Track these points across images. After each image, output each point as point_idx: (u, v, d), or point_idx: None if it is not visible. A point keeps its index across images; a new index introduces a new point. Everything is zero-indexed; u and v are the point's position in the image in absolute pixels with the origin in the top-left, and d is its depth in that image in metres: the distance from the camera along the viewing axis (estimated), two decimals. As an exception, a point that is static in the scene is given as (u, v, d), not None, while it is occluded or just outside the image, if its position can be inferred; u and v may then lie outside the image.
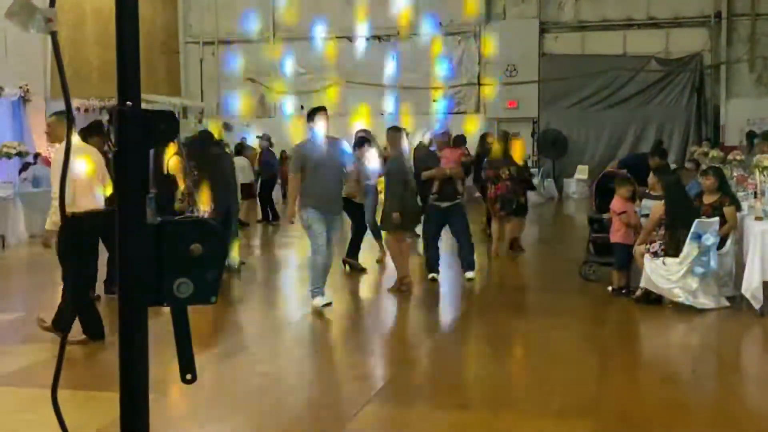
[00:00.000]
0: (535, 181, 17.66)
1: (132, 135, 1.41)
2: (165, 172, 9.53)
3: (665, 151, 11.38)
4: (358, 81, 23.55)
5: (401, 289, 9.08)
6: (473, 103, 24.39)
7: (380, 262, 10.87)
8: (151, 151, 1.50)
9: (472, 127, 19.56)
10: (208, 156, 10.13)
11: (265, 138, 18.31)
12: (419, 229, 10.04)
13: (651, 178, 9.14)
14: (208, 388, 5.64)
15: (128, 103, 1.41)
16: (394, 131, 9.50)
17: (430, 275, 9.61)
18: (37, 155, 16.28)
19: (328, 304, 8.16)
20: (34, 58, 17.81)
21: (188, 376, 1.51)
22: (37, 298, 9.24)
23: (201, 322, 7.60)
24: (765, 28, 22.03)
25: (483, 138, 14.14)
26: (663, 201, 8.35)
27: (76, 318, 6.63)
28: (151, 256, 1.42)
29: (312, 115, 8.26)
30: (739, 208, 8.72)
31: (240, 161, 14.64)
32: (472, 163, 13.85)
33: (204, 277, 1.46)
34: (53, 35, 1.52)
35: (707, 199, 8.48)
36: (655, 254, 8.13)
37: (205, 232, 1.48)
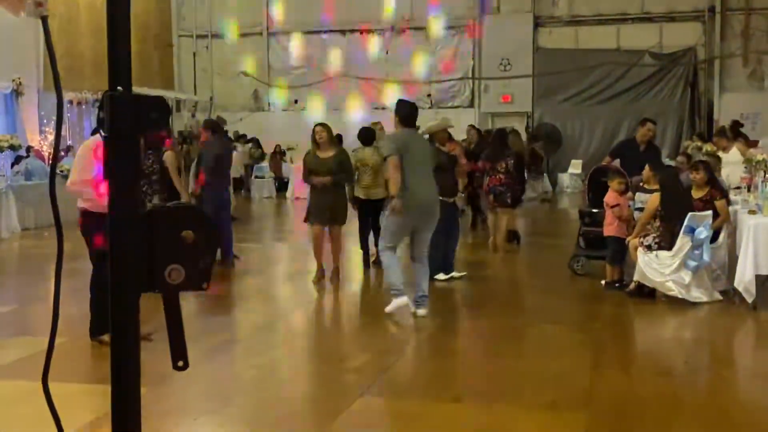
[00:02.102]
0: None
1: (123, 120, 1.40)
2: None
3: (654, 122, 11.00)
4: (353, 75, 23.51)
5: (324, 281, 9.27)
6: (467, 97, 24.39)
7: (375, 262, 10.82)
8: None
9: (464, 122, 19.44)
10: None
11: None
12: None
13: (646, 172, 9.11)
14: (201, 381, 5.64)
15: (119, 88, 1.39)
16: (326, 129, 9.35)
17: (439, 275, 9.43)
18: (29, 148, 16.24)
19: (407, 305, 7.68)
20: (27, 51, 17.72)
21: (180, 363, 1.50)
22: (30, 291, 9.22)
23: (195, 314, 7.59)
24: (759, 22, 22.07)
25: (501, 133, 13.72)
26: (659, 193, 8.36)
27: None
28: (142, 242, 1.41)
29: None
30: (729, 201, 8.74)
31: (235, 155, 14.57)
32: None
33: (196, 263, 1.45)
34: (44, 20, 1.50)
35: (696, 194, 8.47)
36: (649, 247, 8.14)
37: (197, 219, 1.47)
